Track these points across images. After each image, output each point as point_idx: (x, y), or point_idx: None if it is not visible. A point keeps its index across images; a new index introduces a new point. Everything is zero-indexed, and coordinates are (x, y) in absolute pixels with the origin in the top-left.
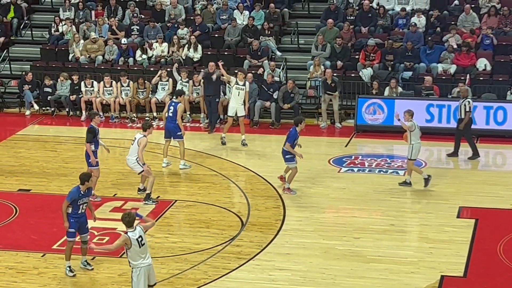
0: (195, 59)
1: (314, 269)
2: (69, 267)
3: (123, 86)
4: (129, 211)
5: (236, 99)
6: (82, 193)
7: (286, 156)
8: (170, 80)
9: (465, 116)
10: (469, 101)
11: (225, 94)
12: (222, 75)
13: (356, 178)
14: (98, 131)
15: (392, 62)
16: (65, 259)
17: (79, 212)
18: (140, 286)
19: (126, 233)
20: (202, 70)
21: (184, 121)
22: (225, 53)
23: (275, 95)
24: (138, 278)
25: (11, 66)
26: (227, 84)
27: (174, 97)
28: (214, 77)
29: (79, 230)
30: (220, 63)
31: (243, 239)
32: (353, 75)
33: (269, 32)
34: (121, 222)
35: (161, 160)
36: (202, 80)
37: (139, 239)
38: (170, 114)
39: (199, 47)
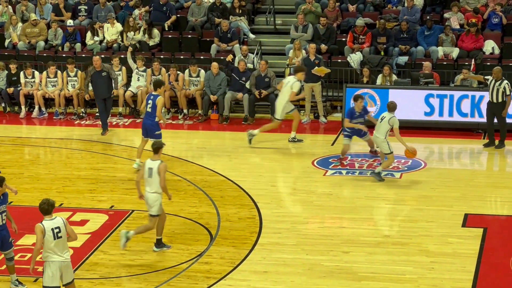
0: (151, 44)
1: None
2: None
3: (69, 76)
4: (48, 199)
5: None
6: None
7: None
8: (124, 68)
9: (508, 99)
10: (507, 83)
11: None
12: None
13: (345, 182)
14: None
15: (384, 46)
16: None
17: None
18: (55, 282)
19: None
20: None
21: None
22: (189, 36)
23: (247, 85)
24: (52, 273)
25: None
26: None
27: (153, 89)
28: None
29: (1, 246)
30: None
31: (213, 255)
32: (339, 60)
33: (240, 11)
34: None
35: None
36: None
37: (56, 230)
38: (149, 110)
39: (155, 31)
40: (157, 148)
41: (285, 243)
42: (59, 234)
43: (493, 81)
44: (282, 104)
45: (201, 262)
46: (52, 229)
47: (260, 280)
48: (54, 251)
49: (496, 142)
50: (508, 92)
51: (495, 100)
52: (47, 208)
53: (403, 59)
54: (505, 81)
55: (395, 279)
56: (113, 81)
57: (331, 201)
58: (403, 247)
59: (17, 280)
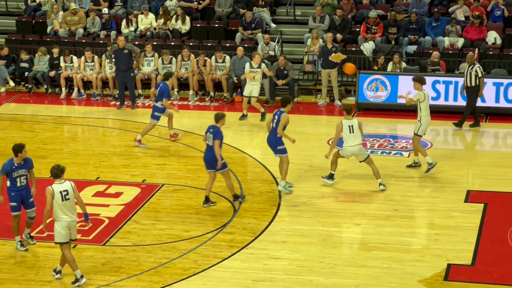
0: (183, 31)
1: (312, 258)
2: (20, 241)
3: (107, 58)
4: (59, 165)
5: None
6: (16, 165)
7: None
8: (156, 54)
9: (480, 82)
10: (479, 66)
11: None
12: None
13: (357, 160)
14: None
15: (395, 35)
16: (14, 235)
17: (18, 185)
18: (64, 238)
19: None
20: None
21: (171, 99)
22: (216, 25)
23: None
24: (62, 230)
25: None
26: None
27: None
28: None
29: (23, 205)
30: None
31: (236, 226)
32: (353, 49)
33: (263, 3)
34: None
35: (148, 141)
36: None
37: (64, 193)
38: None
39: (187, 19)
40: (54, 174)
41: (301, 215)
42: (67, 197)
43: (467, 67)
44: None
45: (225, 232)
46: (60, 192)
47: (279, 249)
48: (63, 211)
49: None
50: (480, 75)
51: (469, 84)
52: (56, 172)
53: (412, 48)
54: (477, 65)
55: (402, 249)
56: (134, 56)
57: (345, 177)
58: (410, 220)
59: (28, 233)
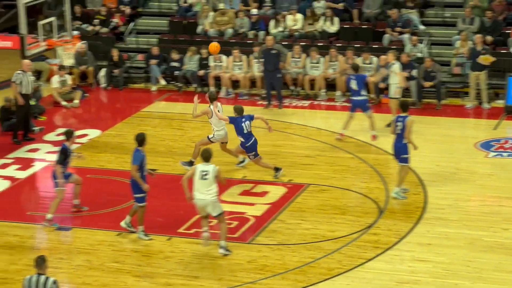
0: (331, 32)
1: (458, 262)
2: (143, 231)
3: (255, 58)
4: (210, 149)
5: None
6: (144, 154)
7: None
8: (303, 55)
9: None
10: None
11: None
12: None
13: (506, 164)
14: (70, 152)
15: None
16: (139, 224)
17: (144, 174)
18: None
19: None
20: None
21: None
22: (364, 26)
23: (414, 73)
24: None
25: (138, 39)
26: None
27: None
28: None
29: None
30: None
31: (381, 227)
32: (503, 51)
33: (412, 4)
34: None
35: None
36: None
37: (203, 173)
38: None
39: (336, 19)
40: (204, 157)
41: (448, 218)
42: (205, 177)
43: None
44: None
45: (370, 233)
46: (201, 171)
47: (424, 251)
48: (199, 190)
49: None
50: None
51: None
52: (207, 156)
53: None
54: None
55: None
56: (281, 57)
57: (492, 181)
58: None
59: (130, 221)
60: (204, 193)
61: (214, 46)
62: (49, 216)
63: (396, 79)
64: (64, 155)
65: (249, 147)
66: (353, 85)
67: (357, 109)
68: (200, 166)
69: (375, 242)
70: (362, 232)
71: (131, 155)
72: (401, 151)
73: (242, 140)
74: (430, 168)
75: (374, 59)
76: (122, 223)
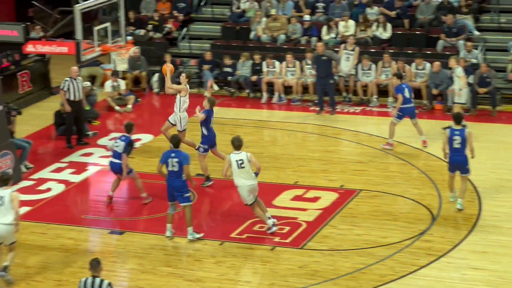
0: (383, 37)
1: None
2: (194, 232)
3: (307, 64)
4: (239, 136)
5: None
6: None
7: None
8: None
9: None
10: None
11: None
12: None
13: None
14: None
15: None
16: (189, 225)
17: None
18: (249, 200)
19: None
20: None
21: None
22: (417, 32)
23: (469, 79)
24: (244, 194)
25: (191, 44)
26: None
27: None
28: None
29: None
30: None
31: (434, 234)
32: None
33: (467, 10)
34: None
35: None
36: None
37: (239, 162)
38: None
39: (389, 26)
40: (235, 146)
41: (503, 226)
42: (242, 165)
43: None
44: None
45: (423, 240)
46: (236, 161)
47: (478, 259)
48: (240, 177)
49: None
50: None
51: None
52: (237, 144)
53: None
54: None
55: None
56: (333, 63)
57: None
58: None
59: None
60: (250, 179)
61: (165, 67)
62: (144, 194)
63: (460, 83)
64: (131, 146)
65: (211, 138)
66: (406, 93)
67: (406, 117)
68: (233, 156)
69: (428, 249)
70: (415, 238)
71: (179, 156)
72: (465, 163)
73: (206, 133)
74: (485, 175)
75: (427, 65)
76: (189, 237)
